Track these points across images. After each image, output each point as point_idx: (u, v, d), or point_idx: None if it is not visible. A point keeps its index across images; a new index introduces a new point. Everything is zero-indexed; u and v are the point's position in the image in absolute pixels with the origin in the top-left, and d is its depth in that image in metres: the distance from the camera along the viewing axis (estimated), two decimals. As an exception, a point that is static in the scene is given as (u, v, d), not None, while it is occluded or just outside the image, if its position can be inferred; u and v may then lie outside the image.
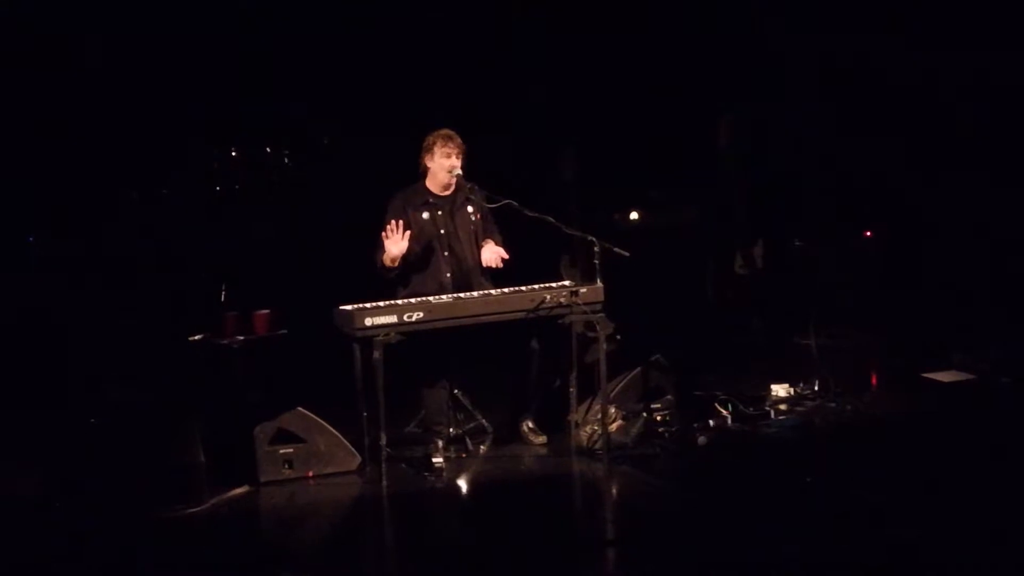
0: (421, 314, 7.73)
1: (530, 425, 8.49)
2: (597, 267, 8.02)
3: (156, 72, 10.75)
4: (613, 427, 8.14)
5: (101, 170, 10.79)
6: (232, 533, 7.24)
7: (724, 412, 8.67)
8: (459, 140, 8.29)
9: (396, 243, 8.02)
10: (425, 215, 8.30)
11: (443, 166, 8.25)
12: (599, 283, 8.03)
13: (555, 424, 8.50)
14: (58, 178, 10.58)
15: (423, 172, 8.38)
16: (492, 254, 8.33)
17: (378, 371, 7.59)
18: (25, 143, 10.40)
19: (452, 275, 8.26)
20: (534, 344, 8.26)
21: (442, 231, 8.32)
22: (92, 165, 10.72)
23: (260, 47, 11.03)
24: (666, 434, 8.32)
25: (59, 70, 10.43)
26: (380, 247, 8.13)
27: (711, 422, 8.55)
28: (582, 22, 11.70)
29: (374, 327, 7.63)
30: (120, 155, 10.83)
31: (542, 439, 8.45)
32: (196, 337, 8.70)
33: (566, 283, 8.25)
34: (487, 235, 8.50)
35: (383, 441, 7.77)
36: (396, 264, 8.10)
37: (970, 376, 9.44)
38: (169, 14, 10.65)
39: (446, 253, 8.32)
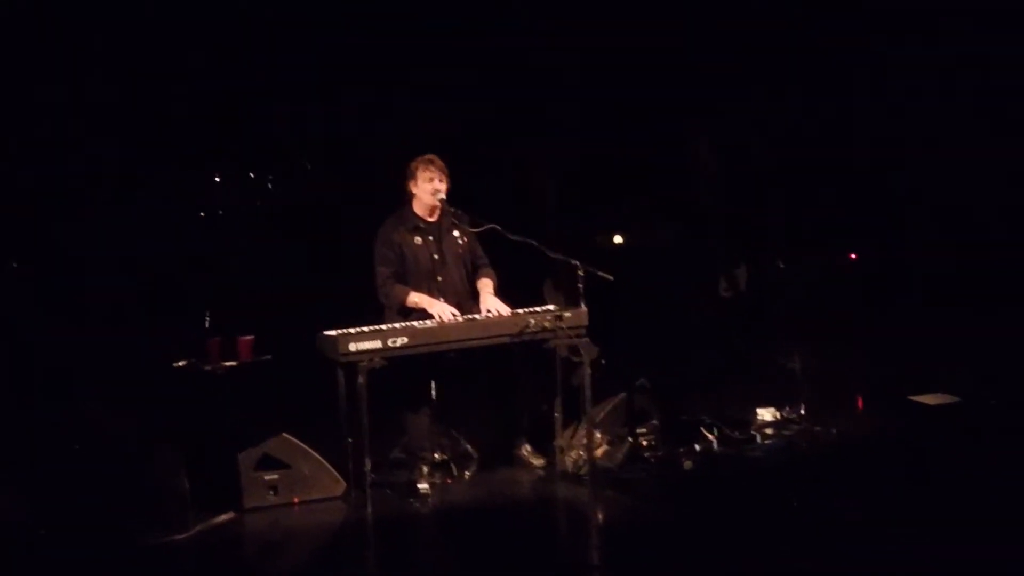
0: (405, 339, 7.72)
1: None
2: (581, 291, 8.02)
3: (138, 96, 10.74)
4: (598, 452, 8.13)
5: (84, 194, 10.77)
6: (217, 560, 7.23)
7: (709, 436, 8.65)
8: (441, 163, 8.30)
9: (445, 313, 8.04)
10: (417, 239, 8.30)
11: (427, 190, 8.25)
12: (583, 307, 8.03)
13: (540, 449, 8.48)
14: (40, 203, 10.55)
15: (408, 198, 8.38)
16: (495, 307, 8.28)
17: (362, 396, 7.58)
18: (7, 166, 10.38)
19: (445, 300, 8.23)
20: (519, 365, 8.26)
21: (435, 256, 8.32)
22: (75, 189, 10.70)
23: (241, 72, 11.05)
24: (652, 459, 8.31)
25: (41, 91, 10.41)
26: (386, 276, 8.21)
27: (697, 446, 8.53)
28: (562, 45, 11.72)
29: (358, 352, 7.62)
30: (102, 179, 10.81)
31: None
32: (180, 363, 8.66)
33: (550, 307, 8.25)
34: (475, 260, 8.50)
35: (368, 467, 7.76)
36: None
37: (956, 398, 9.43)
38: (152, 35, 10.66)
39: (439, 278, 8.32)
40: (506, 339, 7.96)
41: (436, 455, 8.40)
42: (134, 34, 10.61)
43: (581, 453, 8.09)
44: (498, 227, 8.22)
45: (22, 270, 10.57)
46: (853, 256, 12.15)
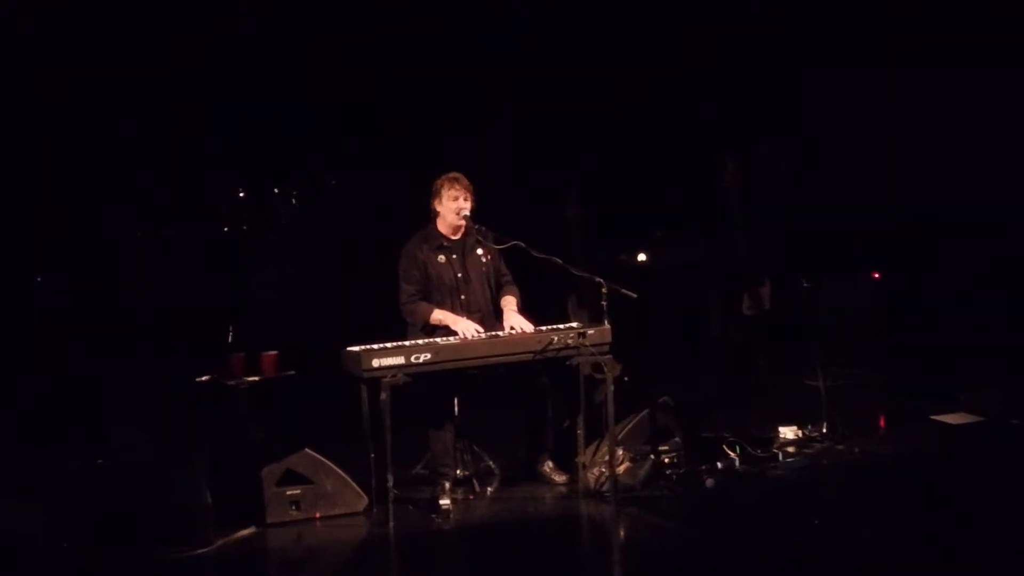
0: (428, 355, 7.72)
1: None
2: (604, 308, 8.02)
3: (162, 114, 10.78)
4: (621, 469, 8.12)
5: (108, 210, 10.81)
6: (239, 575, 7.22)
7: (732, 454, 8.63)
8: (466, 181, 8.31)
9: (469, 330, 8.06)
10: (441, 258, 8.31)
11: (451, 208, 8.26)
12: (606, 324, 8.03)
13: (563, 466, 8.48)
14: (65, 218, 10.59)
15: (433, 216, 8.39)
16: (518, 324, 8.29)
17: (385, 412, 7.58)
18: (33, 184, 10.42)
19: (469, 317, 8.23)
20: (543, 380, 8.26)
21: (458, 274, 8.33)
22: (99, 205, 10.73)
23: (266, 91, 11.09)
24: (674, 476, 8.29)
25: (65, 108, 10.45)
26: (410, 294, 8.24)
27: (719, 464, 8.51)
28: (588, 66, 11.73)
29: (381, 368, 7.62)
30: (126, 195, 10.85)
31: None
32: (203, 378, 8.68)
33: (573, 324, 8.26)
34: (499, 277, 8.51)
35: (390, 482, 7.78)
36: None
37: (979, 418, 9.40)
38: (177, 53, 10.70)
39: (462, 296, 8.33)
40: (529, 356, 7.96)
41: (459, 471, 8.41)
42: (152, 56, 10.67)
43: (603, 470, 8.09)
44: (522, 244, 8.23)
45: (47, 285, 10.61)
46: (876, 275, 12.14)
